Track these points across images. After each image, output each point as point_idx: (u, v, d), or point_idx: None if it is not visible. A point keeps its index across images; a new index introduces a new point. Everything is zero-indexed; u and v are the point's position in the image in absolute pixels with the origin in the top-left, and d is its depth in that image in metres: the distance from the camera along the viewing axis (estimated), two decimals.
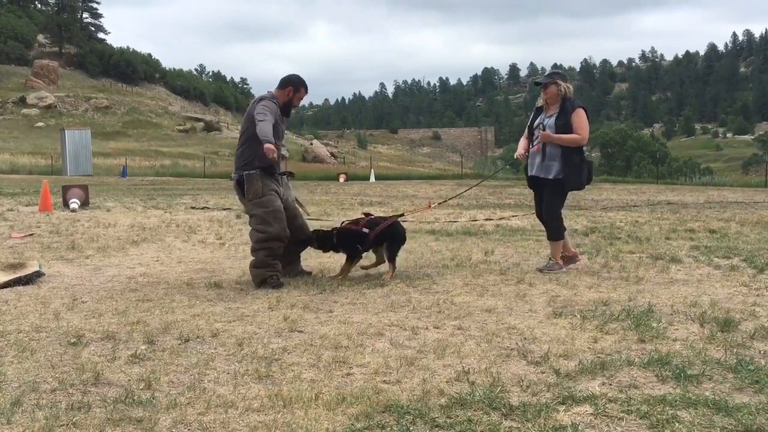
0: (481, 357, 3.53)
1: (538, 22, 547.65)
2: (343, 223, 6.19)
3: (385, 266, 5.95)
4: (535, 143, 6.17)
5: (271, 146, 5.21)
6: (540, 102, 6.36)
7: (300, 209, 6.05)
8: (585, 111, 6.15)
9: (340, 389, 3.04)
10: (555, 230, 6.21)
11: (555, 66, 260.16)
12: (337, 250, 5.98)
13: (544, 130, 6.08)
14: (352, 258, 5.88)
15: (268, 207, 5.46)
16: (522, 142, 6.42)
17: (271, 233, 5.43)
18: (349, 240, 5.86)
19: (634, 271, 6.08)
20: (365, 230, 5.83)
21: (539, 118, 6.26)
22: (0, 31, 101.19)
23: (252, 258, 5.55)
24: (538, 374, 3.25)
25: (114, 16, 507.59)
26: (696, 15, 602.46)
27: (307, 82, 5.80)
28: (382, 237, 5.85)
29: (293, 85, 5.68)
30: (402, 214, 6.89)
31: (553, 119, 6.10)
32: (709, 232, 9.26)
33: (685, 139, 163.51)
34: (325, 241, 5.92)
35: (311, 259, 6.59)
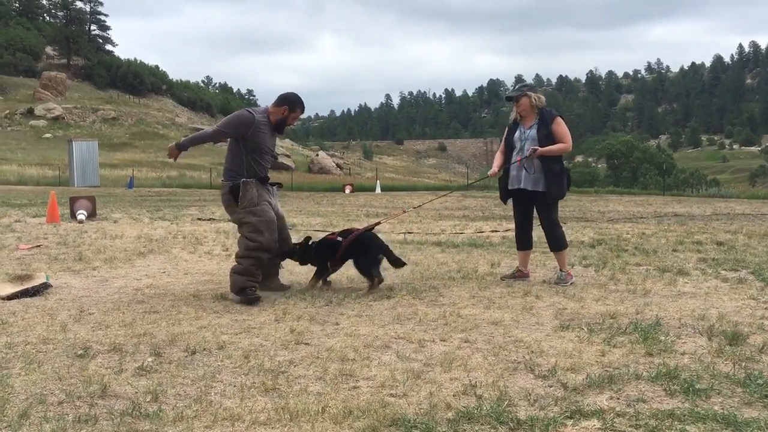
0: (488, 370, 3.51)
1: (544, 34, 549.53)
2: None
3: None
4: (517, 156, 6.18)
5: (171, 149, 5.64)
6: (513, 116, 6.38)
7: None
8: (562, 118, 6.19)
9: (347, 402, 3.03)
10: (558, 240, 6.23)
11: (560, 77, 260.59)
12: (313, 263, 5.96)
13: (527, 143, 6.10)
14: (320, 272, 5.90)
15: (262, 216, 5.46)
16: (497, 159, 6.42)
17: (261, 243, 5.44)
18: (320, 253, 5.87)
19: (641, 283, 6.06)
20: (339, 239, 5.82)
21: (517, 132, 6.26)
22: (9, 43, 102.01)
23: (235, 264, 5.51)
24: (545, 388, 3.24)
25: (122, 28, 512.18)
26: (702, 27, 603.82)
27: (304, 102, 5.81)
28: (349, 250, 5.78)
29: (289, 104, 5.68)
30: (378, 223, 6.83)
31: (534, 131, 6.13)
32: (717, 244, 9.22)
33: (692, 150, 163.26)
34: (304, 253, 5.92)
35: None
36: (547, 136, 6.06)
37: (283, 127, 5.77)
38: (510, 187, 6.28)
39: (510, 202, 6.41)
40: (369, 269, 5.73)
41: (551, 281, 6.18)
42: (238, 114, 5.60)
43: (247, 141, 5.53)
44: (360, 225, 12.43)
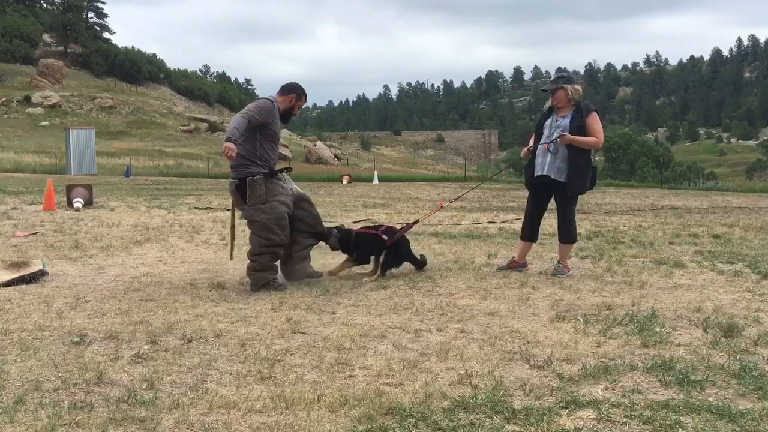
0: (483, 360, 3.52)
1: (546, 25, 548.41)
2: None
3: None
4: (545, 141, 6.12)
5: (230, 145, 5.12)
6: (548, 104, 6.32)
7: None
8: (598, 114, 6.13)
9: (343, 391, 3.04)
10: (570, 234, 6.20)
11: (559, 69, 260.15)
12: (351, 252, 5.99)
13: (557, 131, 6.02)
14: (355, 262, 6.01)
15: (271, 213, 5.39)
16: (530, 143, 6.39)
17: (274, 240, 5.41)
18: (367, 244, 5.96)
19: (637, 275, 6.07)
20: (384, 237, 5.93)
21: (549, 119, 6.21)
22: (5, 30, 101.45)
23: (250, 262, 5.46)
24: (541, 378, 3.24)
25: (122, 16, 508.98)
26: (703, 19, 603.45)
27: (306, 89, 5.83)
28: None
29: (296, 92, 5.69)
30: (416, 222, 6.84)
31: (567, 120, 6.04)
32: (713, 237, 9.24)
33: (689, 143, 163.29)
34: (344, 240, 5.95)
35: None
36: (579, 128, 5.97)
37: (289, 116, 5.76)
38: (536, 173, 6.21)
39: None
40: (388, 268, 5.90)
41: (548, 272, 6.18)
42: (263, 102, 5.50)
43: (266, 129, 5.46)
44: (358, 216, 12.44)
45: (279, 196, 5.47)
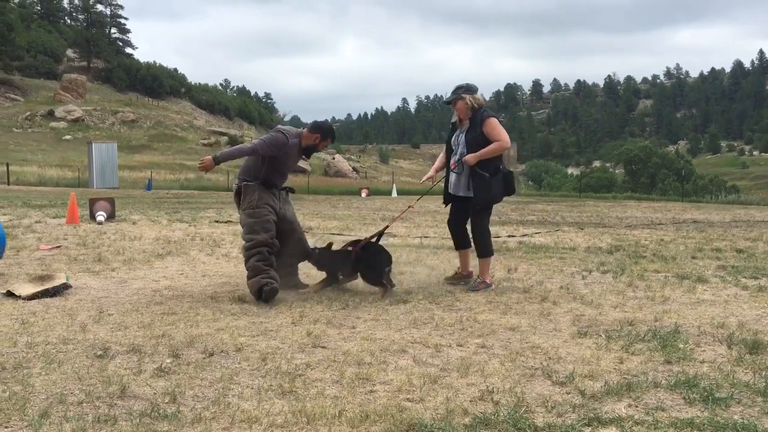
0: (505, 376, 3.50)
1: (567, 37, 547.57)
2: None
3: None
4: (452, 161, 6.12)
5: (208, 160, 5.60)
6: (454, 118, 6.26)
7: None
8: (497, 119, 6.01)
9: (364, 406, 3.04)
10: (486, 247, 6.10)
11: (578, 82, 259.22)
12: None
13: (459, 147, 6.03)
14: (328, 281, 5.96)
15: (259, 218, 5.61)
16: (437, 162, 6.34)
17: (257, 240, 5.55)
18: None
19: (659, 290, 6.02)
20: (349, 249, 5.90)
21: (455, 134, 6.19)
22: (30, 45, 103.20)
23: (246, 271, 5.61)
24: (563, 395, 3.22)
25: (144, 30, 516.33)
26: (725, 31, 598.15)
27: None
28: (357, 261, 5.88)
29: (321, 132, 5.87)
30: (386, 227, 6.65)
31: (463, 135, 6.04)
32: (736, 251, 9.13)
33: (711, 156, 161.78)
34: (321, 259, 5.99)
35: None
36: (475, 139, 5.90)
37: (311, 152, 5.96)
38: (450, 192, 6.21)
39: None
40: (378, 280, 5.78)
41: (533, 285, 6.14)
42: (276, 136, 5.71)
43: (274, 159, 5.72)
44: (375, 229, 12.45)
45: (269, 202, 5.70)
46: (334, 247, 6.14)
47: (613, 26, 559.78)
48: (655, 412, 2.98)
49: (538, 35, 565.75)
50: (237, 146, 5.74)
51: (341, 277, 5.99)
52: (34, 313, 4.95)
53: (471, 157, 5.87)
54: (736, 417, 2.91)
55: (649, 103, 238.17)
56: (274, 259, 5.63)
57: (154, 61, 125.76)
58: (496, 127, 5.92)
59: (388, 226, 6.85)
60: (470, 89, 6.04)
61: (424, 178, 6.38)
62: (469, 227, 6.21)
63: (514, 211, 19.57)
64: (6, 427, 2.79)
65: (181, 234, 11.07)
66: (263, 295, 5.36)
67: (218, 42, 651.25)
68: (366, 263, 5.85)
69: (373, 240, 6.05)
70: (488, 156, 5.89)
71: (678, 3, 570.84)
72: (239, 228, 6.32)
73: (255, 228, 5.60)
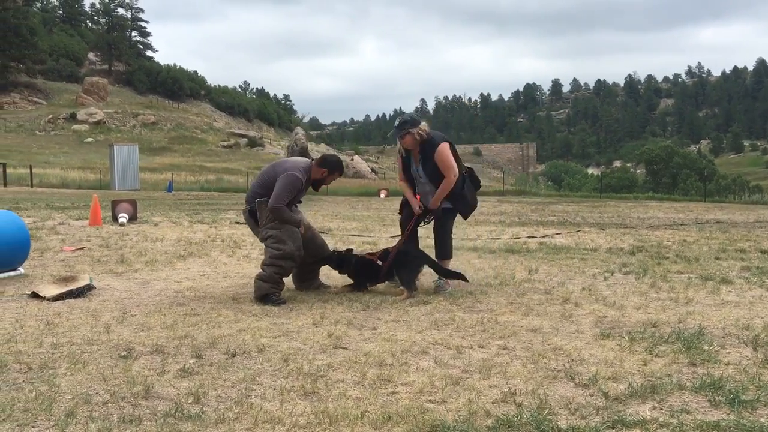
0: (527, 378, 3.49)
1: (587, 36, 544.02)
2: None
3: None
4: (417, 192, 6.21)
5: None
6: (399, 146, 6.23)
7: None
8: (447, 143, 6.00)
9: (386, 408, 3.04)
10: (449, 249, 6.23)
11: (598, 81, 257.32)
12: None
13: (421, 180, 6.12)
14: (356, 286, 6.06)
15: (283, 227, 5.66)
16: (410, 194, 6.26)
17: (286, 251, 5.60)
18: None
19: (683, 291, 5.96)
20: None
21: (412, 166, 6.20)
22: (53, 49, 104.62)
23: (260, 271, 5.67)
24: (586, 397, 3.20)
25: (164, 32, 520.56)
26: (748, 29, 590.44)
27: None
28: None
29: (329, 167, 5.91)
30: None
31: (421, 168, 6.08)
32: (761, 252, 9.02)
33: (734, 156, 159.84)
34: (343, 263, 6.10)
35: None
36: (433, 169, 5.98)
37: (319, 186, 6.02)
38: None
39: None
40: (410, 280, 5.86)
41: (555, 286, 6.10)
42: (293, 181, 5.70)
43: None
44: (396, 231, 12.43)
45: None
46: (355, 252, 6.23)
47: (633, 25, 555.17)
48: (680, 414, 2.95)
49: (558, 35, 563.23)
50: (263, 209, 5.69)
51: (369, 287, 6.08)
52: (58, 314, 5.01)
53: (435, 205, 6.05)
54: (762, 420, 2.87)
55: (671, 103, 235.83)
56: (291, 271, 5.78)
57: (174, 64, 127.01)
58: (444, 158, 5.94)
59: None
60: (415, 123, 6.04)
61: (417, 210, 6.21)
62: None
63: (534, 212, 19.47)
64: (33, 427, 2.83)
65: (202, 235, 11.15)
66: (265, 301, 5.46)
67: (238, 44, 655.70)
68: (403, 262, 5.92)
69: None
70: (445, 194, 6.00)
71: (700, 0, 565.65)
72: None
73: (283, 238, 5.63)
